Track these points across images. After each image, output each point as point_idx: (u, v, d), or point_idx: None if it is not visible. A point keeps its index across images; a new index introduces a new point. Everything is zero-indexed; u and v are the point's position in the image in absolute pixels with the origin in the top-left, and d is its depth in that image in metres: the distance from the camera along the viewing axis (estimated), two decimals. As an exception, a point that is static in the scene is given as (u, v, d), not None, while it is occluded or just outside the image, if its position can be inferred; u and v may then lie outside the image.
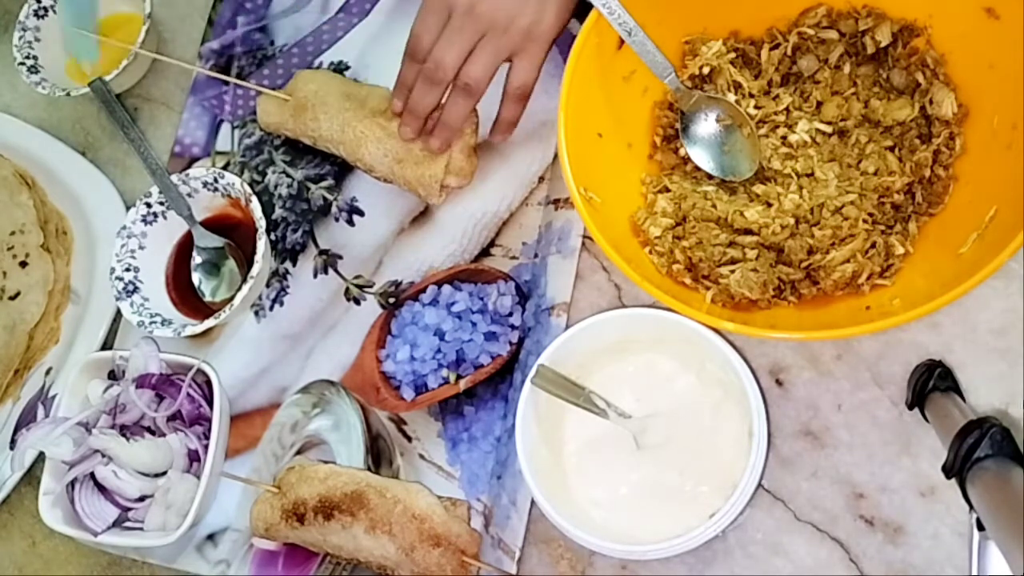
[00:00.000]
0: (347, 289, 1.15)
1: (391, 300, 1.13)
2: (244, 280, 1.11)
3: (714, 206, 0.97)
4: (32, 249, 1.23)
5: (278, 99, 1.17)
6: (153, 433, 1.10)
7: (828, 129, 0.97)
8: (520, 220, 1.11)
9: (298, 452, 1.11)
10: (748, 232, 0.95)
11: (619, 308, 1.03)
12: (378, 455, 1.08)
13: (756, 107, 0.99)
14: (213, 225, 1.19)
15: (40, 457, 1.13)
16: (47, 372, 1.22)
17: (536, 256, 1.09)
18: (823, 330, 0.86)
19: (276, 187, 1.21)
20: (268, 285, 1.17)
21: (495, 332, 1.07)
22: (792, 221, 0.94)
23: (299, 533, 1.03)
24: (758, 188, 0.97)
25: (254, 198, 1.13)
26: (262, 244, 1.11)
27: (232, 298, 1.11)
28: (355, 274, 1.15)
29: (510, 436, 1.00)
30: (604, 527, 0.95)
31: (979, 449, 0.76)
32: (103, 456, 1.08)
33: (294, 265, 1.18)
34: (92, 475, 1.08)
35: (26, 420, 1.19)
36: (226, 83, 1.26)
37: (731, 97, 1.00)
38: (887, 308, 0.87)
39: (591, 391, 0.97)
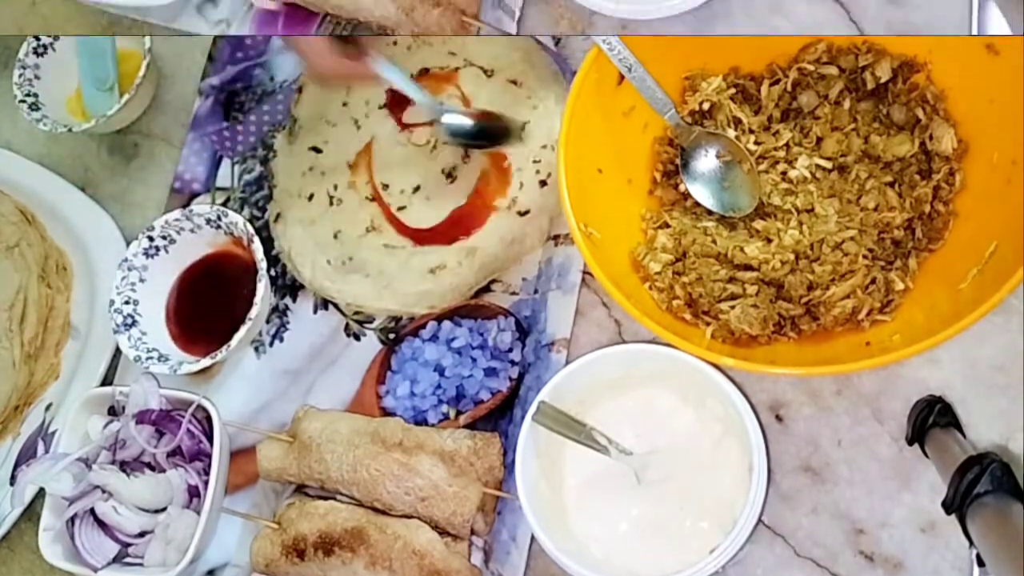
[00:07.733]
0: (347, 325, 1.15)
1: (391, 336, 1.13)
2: (243, 320, 1.11)
3: (714, 242, 0.97)
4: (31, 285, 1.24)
5: (280, 441, 1.09)
6: (153, 469, 1.09)
7: (828, 165, 0.97)
8: (520, 255, 1.11)
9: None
10: (748, 268, 0.95)
11: (619, 344, 1.03)
12: (378, 491, 1.08)
13: (756, 143, 1.00)
14: (215, 262, 1.19)
15: (40, 493, 1.12)
16: (47, 408, 1.21)
17: (536, 292, 1.09)
18: (823, 366, 0.86)
19: (277, 222, 1.21)
20: (268, 321, 1.17)
21: (495, 368, 1.07)
22: (792, 257, 0.94)
23: (299, 569, 1.02)
24: (758, 224, 0.97)
25: (256, 238, 1.13)
26: (262, 286, 1.10)
27: (229, 340, 1.11)
28: (355, 310, 1.15)
29: (510, 472, 0.99)
30: (604, 563, 0.94)
31: (979, 485, 0.76)
32: (103, 492, 1.07)
33: (294, 301, 1.18)
34: (92, 511, 1.08)
35: (26, 456, 1.19)
36: (226, 119, 1.27)
37: (731, 133, 1.00)
38: (887, 344, 0.87)
39: (592, 428, 0.97)
